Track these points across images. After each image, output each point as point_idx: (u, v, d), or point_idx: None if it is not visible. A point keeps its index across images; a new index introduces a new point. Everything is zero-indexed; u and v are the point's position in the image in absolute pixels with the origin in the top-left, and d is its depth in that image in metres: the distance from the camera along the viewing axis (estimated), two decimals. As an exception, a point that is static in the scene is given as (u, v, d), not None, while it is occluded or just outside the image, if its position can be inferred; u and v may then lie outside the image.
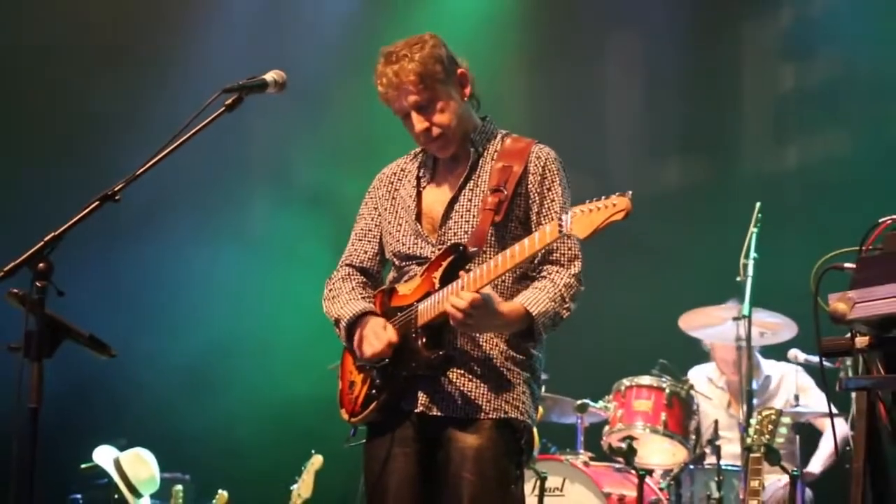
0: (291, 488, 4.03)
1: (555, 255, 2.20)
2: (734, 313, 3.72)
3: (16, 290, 1.81)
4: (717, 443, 3.74)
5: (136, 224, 4.90)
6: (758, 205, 3.73)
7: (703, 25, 5.22)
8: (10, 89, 4.93)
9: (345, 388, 2.31)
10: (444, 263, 2.17)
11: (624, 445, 3.67)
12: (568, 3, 5.49)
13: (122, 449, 4.10)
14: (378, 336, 2.18)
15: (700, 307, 3.95)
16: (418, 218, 2.29)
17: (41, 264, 1.77)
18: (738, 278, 3.66)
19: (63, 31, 5.01)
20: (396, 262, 2.32)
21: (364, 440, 2.29)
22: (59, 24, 5.02)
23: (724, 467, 3.71)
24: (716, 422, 3.84)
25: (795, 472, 3.54)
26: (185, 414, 4.87)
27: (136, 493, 3.97)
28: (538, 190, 2.22)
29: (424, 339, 2.16)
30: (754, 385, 3.80)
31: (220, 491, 4.19)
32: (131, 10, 5.25)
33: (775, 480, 3.85)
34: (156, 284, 5.08)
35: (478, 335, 2.19)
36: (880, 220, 1.95)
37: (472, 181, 2.26)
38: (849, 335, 1.92)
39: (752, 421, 3.29)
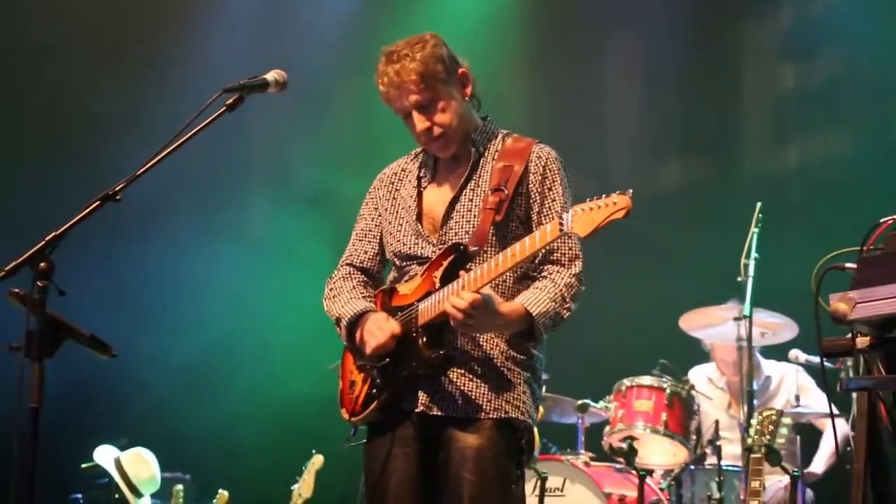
0: (292, 488, 4.03)
1: (555, 254, 2.20)
2: (735, 313, 3.72)
3: (17, 290, 1.81)
4: (718, 443, 3.74)
5: (137, 224, 4.90)
6: (759, 205, 3.73)
7: (703, 25, 5.22)
8: (10, 89, 4.93)
9: (345, 388, 2.31)
10: (445, 263, 2.17)
11: (625, 445, 3.67)
12: (568, 3, 5.49)
13: (122, 448, 4.10)
14: (381, 328, 2.18)
15: (701, 307, 3.95)
16: (419, 218, 2.29)
17: (42, 264, 1.77)
18: (739, 278, 3.66)
19: (63, 31, 5.01)
20: (397, 262, 2.32)
21: (364, 440, 2.29)
22: (59, 24, 5.02)
23: (724, 468, 3.71)
24: (716, 422, 3.83)
25: (796, 473, 3.54)
26: (185, 414, 4.87)
27: (137, 493, 3.97)
28: (539, 189, 2.22)
29: (425, 339, 2.16)
30: (755, 385, 3.80)
31: (220, 491, 4.19)
32: (131, 10, 5.25)
33: (776, 481, 3.85)
34: (157, 284, 5.08)
35: (479, 335, 2.19)
36: (881, 220, 1.95)
37: (472, 181, 2.26)
38: (850, 335, 1.92)
39: (753, 421, 3.29)
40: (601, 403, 3.90)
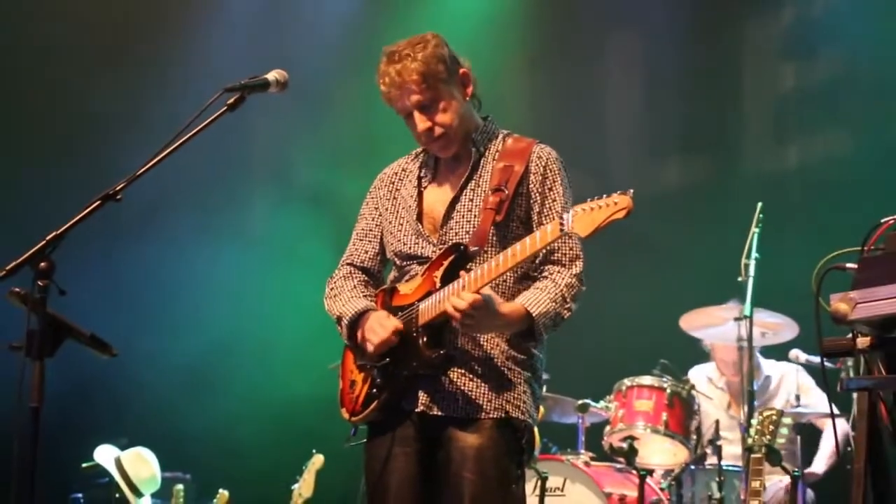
0: (292, 488, 4.04)
1: (556, 255, 2.20)
2: (735, 313, 3.72)
3: (17, 290, 1.81)
4: (718, 443, 3.74)
5: (138, 223, 4.90)
6: (759, 205, 3.72)
7: (703, 25, 5.22)
8: (10, 89, 4.93)
9: (345, 388, 2.31)
10: (446, 263, 2.17)
11: (625, 445, 3.67)
12: (568, 3, 5.49)
13: (123, 448, 4.10)
14: (383, 325, 2.18)
15: (701, 307, 3.95)
16: (419, 218, 2.29)
17: (43, 263, 1.77)
18: (740, 278, 3.66)
19: (63, 31, 5.01)
20: (397, 262, 2.32)
21: (365, 440, 2.29)
22: (59, 24, 5.02)
23: (725, 468, 3.71)
24: (717, 422, 3.83)
25: (796, 473, 3.54)
26: (186, 413, 4.87)
27: (137, 493, 3.97)
28: (539, 189, 2.22)
29: (425, 339, 2.16)
30: (754, 385, 3.79)
31: (220, 490, 4.19)
32: (131, 10, 5.25)
33: (776, 481, 3.85)
34: (157, 284, 5.08)
35: (479, 335, 2.19)
36: (882, 221, 1.95)
37: (473, 181, 2.26)
38: (850, 335, 1.92)
39: (753, 421, 3.29)
40: (601, 403, 3.90)
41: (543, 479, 3.51)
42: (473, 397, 2.17)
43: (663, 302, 4.39)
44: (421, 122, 2.22)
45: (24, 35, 4.99)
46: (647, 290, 4.79)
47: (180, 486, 4.21)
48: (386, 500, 2.19)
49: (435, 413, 2.17)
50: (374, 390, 2.22)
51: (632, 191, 1.96)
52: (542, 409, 3.78)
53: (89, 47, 5.07)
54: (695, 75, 5.21)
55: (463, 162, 2.28)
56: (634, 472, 3.62)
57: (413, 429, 2.19)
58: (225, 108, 2.01)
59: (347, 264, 2.38)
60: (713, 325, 3.95)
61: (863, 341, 1.90)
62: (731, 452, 3.92)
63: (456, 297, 2.07)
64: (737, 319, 3.69)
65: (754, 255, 3.66)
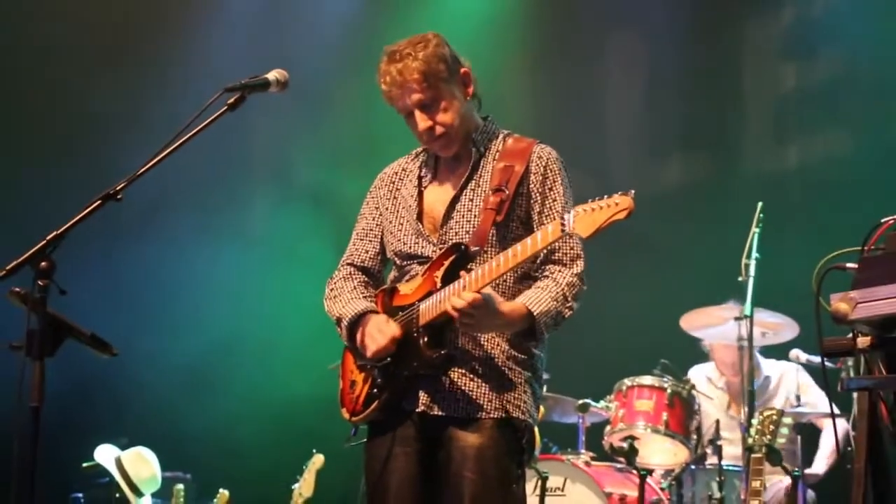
0: (293, 487, 4.04)
1: (557, 254, 2.20)
2: (735, 313, 3.72)
3: (18, 289, 1.81)
4: (719, 443, 3.74)
5: (138, 223, 4.90)
6: (759, 205, 3.72)
7: (703, 25, 5.22)
8: (10, 89, 4.93)
9: (346, 388, 2.31)
10: (446, 263, 2.17)
11: (625, 445, 3.66)
12: (568, 3, 5.49)
13: (123, 448, 4.10)
14: (381, 331, 2.18)
15: (701, 307, 3.95)
16: (419, 217, 2.29)
17: (43, 263, 1.77)
18: (740, 278, 3.66)
19: (63, 31, 5.01)
20: (398, 262, 2.32)
21: (365, 439, 2.29)
22: (59, 24, 5.02)
23: (725, 467, 3.71)
24: (717, 422, 3.83)
25: (797, 473, 3.54)
26: (186, 413, 4.87)
27: (138, 492, 3.97)
28: (540, 190, 2.22)
29: (426, 339, 2.16)
30: (754, 385, 3.79)
31: (221, 490, 4.19)
32: (131, 10, 5.25)
33: (777, 481, 3.85)
34: (157, 284, 5.09)
35: (479, 335, 2.19)
36: (882, 221, 1.95)
37: (473, 181, 2.26)
38: (850, 335, 1.92)
39: (754, 421, 3.29)
40: (602, 403, 3.90)
41: (544, 479, 3.51)
42: (474, 397, 2.17)
43: (664, 302, 4.39)
44: (422, 122, 2.22)
45: (24, 35, 4.99)
46: (648, 289, 4.79)
47: (181, 486, 4.21)
48: (386, 499, 2.19)
49: (435, 413, 2.17)
50: (375, 390, 2.22)
51: (633, 191, 1.96)
52: (542, 408, 3.78)
53: (89, 47, 5.07)
54: (695, 75, 5.21)
55: (463, 162, 2.28)
56: (635, 471, 3.62)
57: (413, 429, 2.19)
58: (225, 107, 2.01)
59: (347, 264, 2.38)
60: (713, 324, 3.95)
61: (863, 341, 1.90)
62: (731, 453, 3.92)
63: (455, 297, 2.07)
64: (737, 319, 3.69)
65: (755, 254, 3.66)
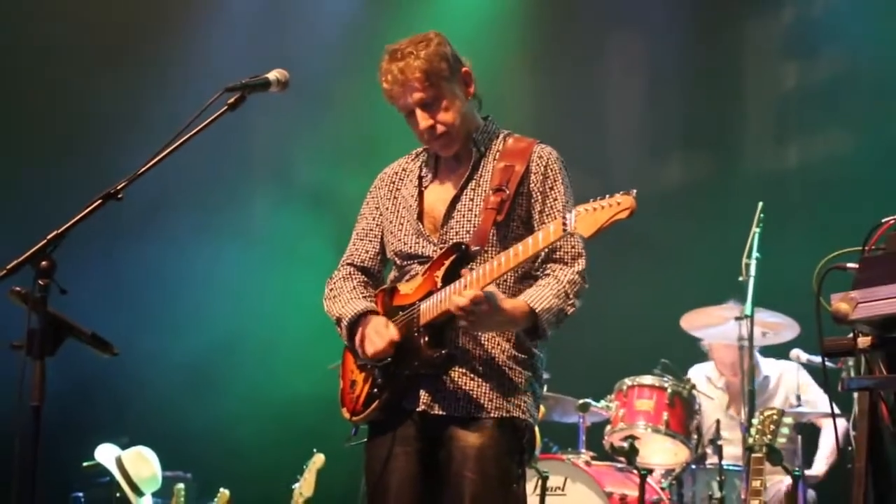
0: (293, 487, 4.04)
1: (558, 253, 2.20)
2: (736, 313, 3.72)
3: (18, 288, 1.81)
4: (719, 443, 3.74)
5: (139, 223, 4.90)
6: (760, 204, 3.72)
7: (704, 24, 5.22)
8: (10, 89, 4.93)
9: (346, 388, 2.31)
10: (447, 262, 2.17)
11: (626, 445, 3.66)
12: (569, 3, 5.49)
13: (123, 447, 4.10)
14: (380, 334, 2.18)
15: (702, 307, 3.95)
16: (420, 217, 2.29)
17: (44, 262, 1.77)
18: (741, 278, 3.66)
19: (63, 31, 5.01)
20: (398, 262, 2.32)
21: (365, 439, 2.29)
22: (59, 24, 5.02)
23: (725, 467, 3.71)
24: (717, 421, 3.83)
25: (797, 472, 3.54)
26: (186, 412, 4.87)
27: (138, 492, 3.97)
28: (540, 189, 2.22)
29: (427, 338, 2.16)
30: (754, 385, 3.79)
31: (221, 489, 4.19)
32: (131, 10, 5.25)
33: (777, 481, 3.85)
34: (158, 283, 5.09)
35: (480, 334, 2.19)
36: (883, 220, 1.95)
37: (474, 180, 2.26)
38: (851, 335, 1.92)
39: (754, 421, 3.29)
40: (602, 403, 3.90)
41: (544, 479, 3.52)
42: (475, 397, 2.17)
43: (664, 301, 4.39)
44: (423, 120, 2.22)
45: (24, 35, 4.99)
46: (648, 289, 4.79)
47: (181, 486, 4.21)
48: (386, 499, 2.19)
49: (436, 412, 2.17)
50: (375, 390, 2.22)
51: (635, 191, 1.96)
52: (542, 408, 3.78)
53: (89, 47, 5.07)
54: (695, 75, 5.21)
55: (463, 161, 2.28)
56: (635, 471, 3.62)
57: (414, 428, 2.19)
58: (225, 107, 2.01)
59: (347, 264, 2.38)
60: (714, 324, 3.95)
61: (864, 341, 1.90)
62: (731, 453, 3.92)
63: (458, 295, 2.07)
64: (738, 319, 3.69)
65: (755, 254, 3.66)
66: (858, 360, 2.11)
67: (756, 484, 3.15)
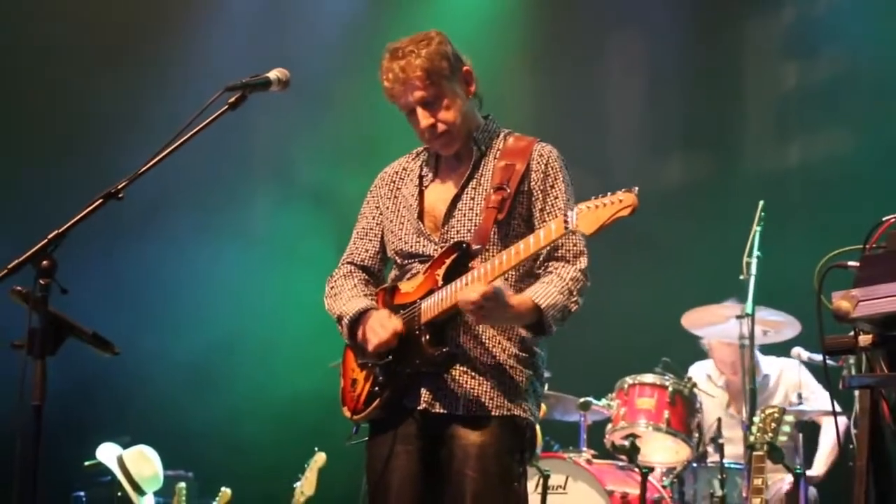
0: (294, 486, 4.04)
1: (560, 251, 2.21)
2: (737, 311, 3.72)
3: (19, 288, 1.81)
4: (720, 441, 3.74)
5: (139, 222, 4.91)
6: (761, 203, 3.72)
7: (704, 24, 5.22)
8: (10, 89, 4.93)
9: (347, 386, 2.31)
10: (448, 261, 2.17)
11: (627, 443, 3.66)
12: (569, 3, 5.49)
13: (125, 446, 4.10)
14: (383, 325, 2.18)
15: (703, 305, 3.95)
16: (421, 216, 2.29)
17: (45, 262, 1.77)
18: (741, 276, 3.66)
19: (63, 31, 5.01)
20: (398, 261, 2.32)
21: (366, 438, 2.29)
22: (59, 24, 5.02)
23: (727, 465, 3.71)
24: (718, 420, 3.83)
25: (798, 471, 3.54)
26: (188, 411, 4.88)
27: (140, 491, 3.97)
28: (541, 187, 2.22)
29: (428, 337, 2.17)
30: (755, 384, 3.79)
31: (223, 488, 4.19)
32: (131, 10, 5.25)
33: (778, 479, 3.85)
34: (158, 282, 5.09)
35: (481, 333, 2.20)
36: (884, 219, 1.95)
37: (474, 179, 2.26)
38: (852, 333, 1.92)
39: (756, 419, 3.29)
40: (603, 401, 3.90)
41: (545, 477, 3.52)
42: (476, 395, 2.17)
43: (665, 300, 4.39)
44: (424, 119, 2.22)
45: (24, 35, 4.99)
46: (649, 288, 4.79)
47: (182, 484, 4.21)
48: (387, 498, 2.19)
49: (437, 411, 2.18)
50: (377, 388, 2.22)
51: (636, 188, 1.96)
52: (543, 407, 3.77)
53: (89, 47, 5.07)
54: (696, 74, 5.21)
55: (464, 160, 2.29)
56: (636, 469, 3.62)
57: (415, 426, 2.19)
58: (226, 106, 2.01)
59: (348, 263, 2.38)
60: (715, 323, 3.95)
61: (865, 339, 1.90)
62: (731, 452, 3.91)
63: (468, 289, 2.07)
64: (739, 317, 3.69)
65: (756, 253, 3.66)
66: (859, 358, 2.11)
67: (757, 482, 3.16)
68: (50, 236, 1.80)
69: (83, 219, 1.85)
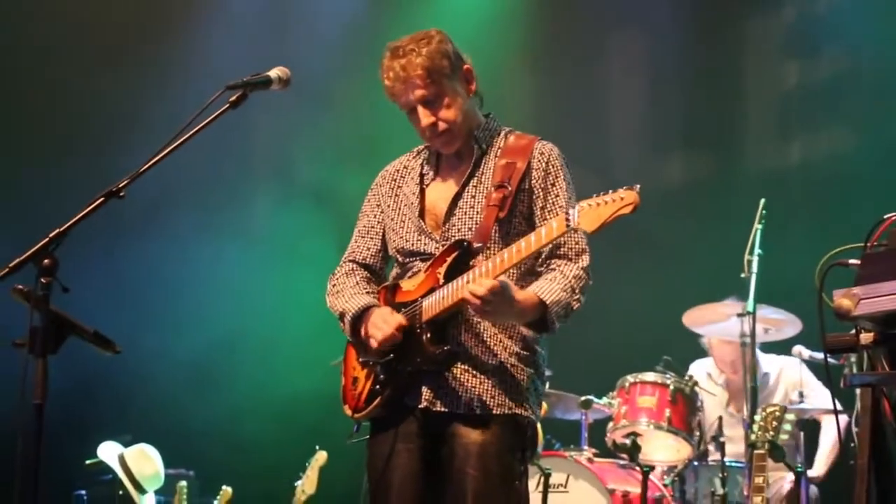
0: (295, 484, 4.04)
1: (563, 249, 2.21)
2: (738, 310, 3.72)
3: (21, 287, 1.81)
4: (721, 439, 3.74)
5: (140, 221, 4.91)
6: (762, 201, 3.72)
7: (706, 22, 5.22)
8: (10, 89, 4.93)
9: (348, 385, 2.31)
10: (449, 259, 2.17)
11: (628, 442, 3.66)
12: (569, 2, 5.49)
13: (126, 445, 4.11)
14: (387, 321, 2.18)
15: (704, 304, 3.95)
16: (422, 214, 2.29)
17: (46, 260, 1.77)
18: (743, 275, 3.66)
19: (63, 31, 5.01)
20: (400, 259, 2.32)
21: (367, 436, 2.29)
22: (59, 24, 5.02)
23: (728, 464, 3.71)
24: (720, 418, 3.83)
25: (800, 469, 3.54)
26: (189, 410, 4.88)
27: (141, 489, 3.98)
28: (542, 185, 2.22)
29: (429, 335, 2.17)
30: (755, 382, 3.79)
31: (224, 487, 4.20)
32: (131, 10, 5.25)
33: (779, 478, 3.85)
34: (160, 281, 5.09)
35: (482, 331, 2.20)
36: (885, 217, 1.95)
37: (475, 178, 2.26)
38: (853, 331, 1.92)
39: (757, 417, 3.29)
40: (604, 400, 3.90)
41: (546, 476, 3.52)
42: (477, 393, 2.17)
43: (666, 298, 4.39)
44: (425, 118, 2.22)
45: (24, 35, 4.99)
46: (650, 286, 4.79)
47: (184, 483, 4.22)
48: (388, 496, 2.19)
49: (438, 409, 2.18)
50: (378, 386, 2.22)
51: (638, 186, 1.96)
52: (545, 405, 3.78)
53: (89, 47, 5.06)
54: (698, 73, 5.21)
55: (465, 159, 2.29)
56: (637, 468, 3.62)
57: (416, 425, 2.19)
58: (227, 105, 2.01)
59: (349, 261, 2.38)
60: (716, 321, 3.95)
61: (866, 337, 1.90)
62: (731, 450, 3.91)
63: (474, 284, 2.07)
64: (740, 316, 3.69)
65: (757, 251, 3.66)
66: (861, 357, 2.11)
67: (759, 480, 3.15)
68: (51, 235, 1.80)
69: (84, 217, 1.85)
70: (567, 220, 1.98)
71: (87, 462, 4.08)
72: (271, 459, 4.77)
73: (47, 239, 1.80)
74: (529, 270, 2.23)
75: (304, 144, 5.42)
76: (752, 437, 3.24)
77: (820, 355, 3.63)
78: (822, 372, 3.86)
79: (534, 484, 3.43)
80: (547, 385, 3.64)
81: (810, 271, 1.94)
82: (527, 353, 2.22)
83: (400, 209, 2.32)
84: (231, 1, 5.42)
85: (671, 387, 3.79)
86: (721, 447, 3.72)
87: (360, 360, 2.28)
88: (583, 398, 3.90)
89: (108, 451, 4.04)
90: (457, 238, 2.21)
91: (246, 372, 5.08)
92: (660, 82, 5.37)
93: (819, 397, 3.91)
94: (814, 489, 3.81)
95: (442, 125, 2.23)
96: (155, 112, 4.67)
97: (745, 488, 3.49)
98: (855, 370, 3.03)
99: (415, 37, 2.23)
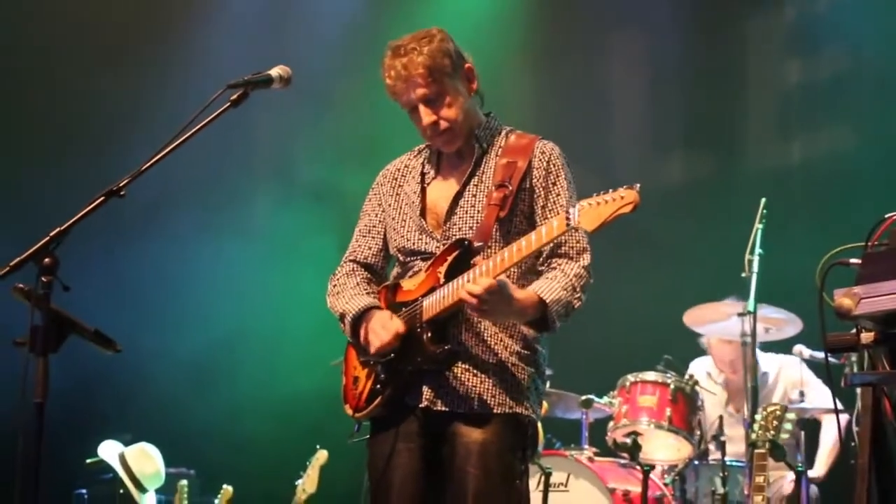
0: (296, 483, 4.04)
1: (563, 248, 2.21)
2: (738, 309, 3.72)
3: (21, 285, 1.81)
4: (722, 438, 3.74)
5: (141, 220, 4.91)
6: (763, 200, 3.72)
7: (706, 21, 5.22)
8: (10, 89, 4.93)
9: (348, 384, 2.31)
10: (450, 258, 2.17)
11: (629, 441, 3.66)
12: (570, 2, 5.48)
13: (127, 444, 4.11)
14: (385, 327, 2.18)
15: (705, 303, 3.95)
16: (423, 213, 2.29)
17: (47, 259, 1.77)
18: (743, 274, 3.66)
19: (63, 31, 5.01)
20: (400, 258, 2.32)
21: (368, 435, 2.29)
22: (59, 24, 5.02)
23: (728, 463, 3.71)
24: (720, 417, 3.83)
25: (800, 468, 3.54)
26: (190, 409, 4.88)
27: (142, 488, 3.98)
28: (543, 185, 2.22)
29: (430, 334, 2.17)
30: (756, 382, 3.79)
31: (224, 486, 4.20)
32: (131, 10, 5.25)
33: (780, 477, 3.85)
34: (160, 280, 5.10)
35: (483, 330, 2.20)
36: (886, 216, 1.95)
37: (476, 177, 2.26)
38: (854, 331, 1.92)
39: (757, 417, 3.29)
40: (605, 399, 3.90)
41: (547, 475, 3.52)
42: (478, 393, 2.17)
43: (667, 297, 4.39)
44: (426, 116, 2.22)
45: (24, 35, 4.99)
46: (651, 285, 4.79)
47: (184, 482, 4.22)
48: (389, 495, 2.19)
49: (439, 408, 2.18)
50: (378, 386, 2.22)
51: (638, 185, 1.96)
52: (545, 404, 3.78)
53: (89, 47, 5.07)
54: (698, 72, 5.21)
55: (466, 158, 2.29)
56: (638, 467, 3.62)
57: (417, 424, 2.20)
58: (228, 104, 2.01)
59: (350, 261, 2.38)
60: (717, 320, 3.95)
61: (867, 336, 1.90)
62: (731, 450, 3.91)
63: (471, 283, 2.07)
64: (740, 315, 3.69)
65: (758, 250, 3.66)
66: (861, 356, 2.11)
67: (759, 480, 3.15)
68: (52, 234, 1.80)
69: (85, 216, 1.85)
70: (567, 219, 1.98)
71: (88, 461, 4.08)
72: (272, 458, 4.77)
73: (48, 238, 1.80)
74: (530, 269, 2.23)
75: (305, 144, 5.42)
76: (753, 436, 3.24)
77: (820, 355, 3.63)
78: (822, 371, 3.86)
79: (534, 483, 3.43)
80: (548, 384, 3.65)
81: (811, 271, 1.94)
82: (527, 352, 2.22)
83: (401, 208, 2.32)
84: (231, 1, 5.42)
85: (672, 386, 3.79)
86: (722, 446, 3.72)
87: (361, 359, 2.28)
88: (583, 397, 3.90)
89: (109, 450, 4.04)
90: (457, 237, 2.21)
91: (246, 371, 5.08)
92: (660, 82, 5.37)
93: (819, 396, 3.91)
94: (814, 488, 3.81)
95: (443, 124, 2.23)
96: (155, 112, 4.67)
97: (745, 487, 3.49)
98: (856, 369, 3.03)
99: (416, 35, 2.23)
